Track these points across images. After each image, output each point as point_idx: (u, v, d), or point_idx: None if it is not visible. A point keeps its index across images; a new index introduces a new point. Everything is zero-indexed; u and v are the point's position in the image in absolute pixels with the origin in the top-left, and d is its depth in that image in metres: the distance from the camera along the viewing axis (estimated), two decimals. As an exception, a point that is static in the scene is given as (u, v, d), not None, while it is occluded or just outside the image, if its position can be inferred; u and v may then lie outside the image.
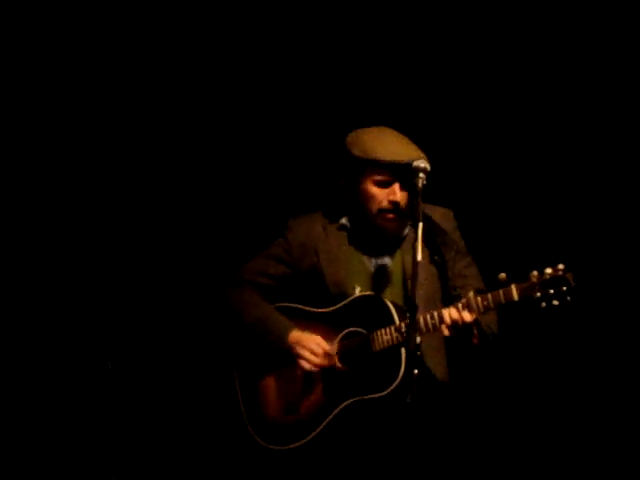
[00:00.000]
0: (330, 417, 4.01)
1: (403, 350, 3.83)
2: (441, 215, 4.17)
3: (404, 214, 4.08)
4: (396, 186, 4.06)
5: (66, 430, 5.21)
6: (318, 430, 4.03)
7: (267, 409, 4.17)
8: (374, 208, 4.09)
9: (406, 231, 4.18)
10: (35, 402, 5.22)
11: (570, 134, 5.05)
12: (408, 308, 3.77)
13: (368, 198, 4.10)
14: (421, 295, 3.89)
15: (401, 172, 4.01)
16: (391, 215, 4.07)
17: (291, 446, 4.07)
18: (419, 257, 3.70)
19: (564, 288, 3.64)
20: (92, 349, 5.16)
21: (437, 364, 4.10)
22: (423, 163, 3.89)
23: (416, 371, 3.58)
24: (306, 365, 4.06)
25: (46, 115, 5.25)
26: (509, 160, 5.10)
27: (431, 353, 4.07)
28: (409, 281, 3.84)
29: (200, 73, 5.27)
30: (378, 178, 4.07)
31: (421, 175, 3.87)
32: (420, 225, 3.75)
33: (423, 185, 3.87)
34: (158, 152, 5.34)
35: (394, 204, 4.05)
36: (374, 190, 4.08)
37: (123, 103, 5.29)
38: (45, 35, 5.18)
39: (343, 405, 4.00)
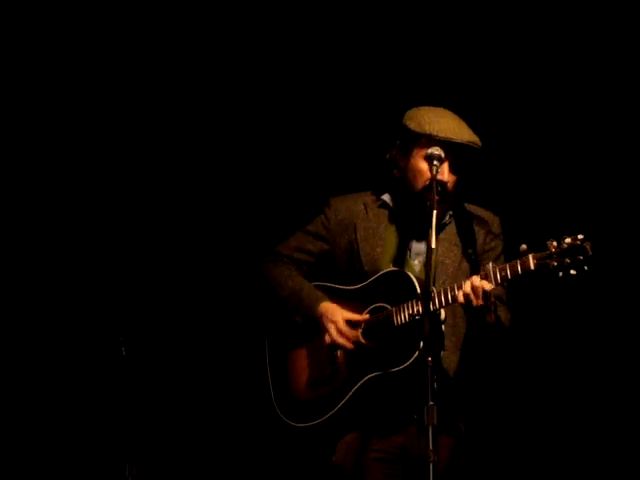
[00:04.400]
0: (350, 393, 3.99)
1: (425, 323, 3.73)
2: (487, 217, 4.15)
3: (448, 197, 4.02)
4: (445, 166, 4.00)
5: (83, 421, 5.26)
6: (339, 406, 4.01)
7: (293, 384, 4.17)
8: (420, 185, 4.03)
9: (447, 218, 4.14)
10: (47, 396, 5.27)
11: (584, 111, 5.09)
12: (423, 296, 3.75)
13: (416, 173, 4.04)
14: (448, 282, 3.95)
15: (454, 152, 3.98)
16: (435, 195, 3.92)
17: (312, 423, 4.06)
18: (433, 244, 3.71)
19: (581, 257, 3.58)
20: (107, 334, 5.08)
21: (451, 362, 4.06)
22: (437, 151, 3.91)
23: (430, 358, 3.55)
24: (327, 339, 4.06)
25: (47, 116, 5.28)
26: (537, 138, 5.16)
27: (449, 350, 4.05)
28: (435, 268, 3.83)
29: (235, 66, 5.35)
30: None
31: (435, 163, 3.89)
32: (434, 213, 3.75)
33: (437, 173, 3.89)
34: (190, 136, 5.43)
35: (440, 184, 3.95)
36: (423, 166, 4.01)
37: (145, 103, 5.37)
38: (45, 35, 5.21)
39: (363, 381, 3.97)
